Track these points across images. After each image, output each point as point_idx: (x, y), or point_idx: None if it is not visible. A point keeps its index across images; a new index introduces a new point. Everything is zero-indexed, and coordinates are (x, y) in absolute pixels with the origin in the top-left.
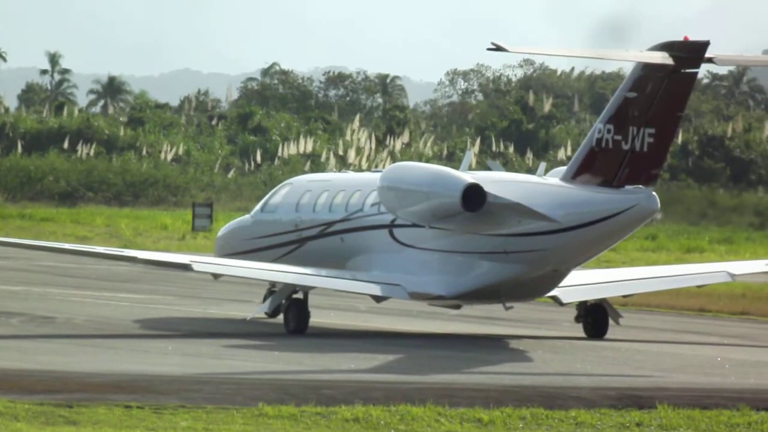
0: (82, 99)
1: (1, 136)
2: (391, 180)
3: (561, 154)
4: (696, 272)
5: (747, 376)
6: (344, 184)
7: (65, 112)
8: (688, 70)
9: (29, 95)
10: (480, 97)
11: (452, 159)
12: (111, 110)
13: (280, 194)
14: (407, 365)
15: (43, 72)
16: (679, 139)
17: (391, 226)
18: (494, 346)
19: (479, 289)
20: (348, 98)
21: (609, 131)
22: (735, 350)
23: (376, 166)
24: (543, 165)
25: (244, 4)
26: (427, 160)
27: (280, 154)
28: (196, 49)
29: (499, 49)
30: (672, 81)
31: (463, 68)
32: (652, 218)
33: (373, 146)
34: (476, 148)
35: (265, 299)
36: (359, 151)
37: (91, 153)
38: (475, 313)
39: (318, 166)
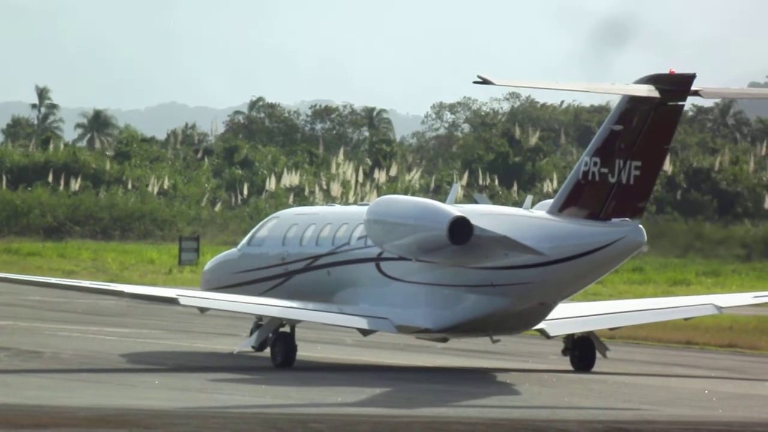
0: (68, 133)
1: None
2: (377, 213)
3: (547, 187)
4: (683, 305)
5: (735, 409)
6: (331, 218)
7: (51, 146)
8: (674, 103)
9: (15, 129)
10: (467, 129)
11: (439, 192)
12: (97, 144)
13: (266, 228)
14: (395, 399)
15: (33, 106)
16: (668, 171)
17: (377, 260)
18: (481, 379)
19: (466, 322)
20: (334, 131)
21: (595, 164)
22: (722, 383)
23: (363, 200)
24: (529, 198)
25: (230, 39)
26: (414, 193)
27: (266, 187)
28: (182, 83)
29: (485, 82)
30: (658, 114)
31: (449, 101)
32: (638, 251)
33: (360, 179)
34: (463, 181)
35: (252, 333)
36: (345, 185)
37: (77, 187)
38: (463, 346)
39: (303, 200)
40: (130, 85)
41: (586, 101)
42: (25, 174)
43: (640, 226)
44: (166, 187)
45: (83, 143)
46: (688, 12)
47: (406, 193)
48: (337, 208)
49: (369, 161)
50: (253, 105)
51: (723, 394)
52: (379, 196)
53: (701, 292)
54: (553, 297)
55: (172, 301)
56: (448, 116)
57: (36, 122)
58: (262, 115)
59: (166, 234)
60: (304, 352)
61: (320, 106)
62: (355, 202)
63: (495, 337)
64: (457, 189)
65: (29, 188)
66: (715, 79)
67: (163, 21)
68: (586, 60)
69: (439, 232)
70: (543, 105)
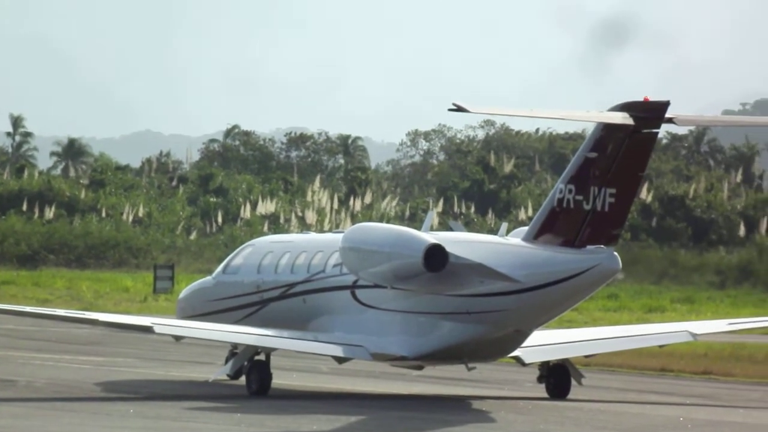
0: (43, 161)
1: None
2: (353, 241)
3: (522, 214)
4: (658, 332)
5: None
6: (306, 245)
7: (26, 175)
8: (648, 131)
9: None
10: (442, 157)
11: (414, 219)
12: (72, 172)
13: (241, 256)
14: (370, 426)
15: (8, 134)
16: (643, 198)
17: (353, 287)
18: (457, 406)
19: (441, 350)
20: (310, 159)
21: (570, 191)
22: (697, 410)
23: (338, 227)
24: (505, 225)
25: (205, 66)
26: (389, 221)
27: (241, 215)
28: (157, 111)
29: (460, 109)
30: (633, 141)
31: (424, 129)
32: (613, 278)
33: (335, 207)
34: (438, 209)
35: (227, 361)
36: (321, 212)
37: (52, 215)
38: (438, 374)
39: (278, 228)
40: (104, 113)
41: (561, 128)
42: None
43: (615, 253)
44: (140, 215)
45: (58, 171)
46: (659, 38)
47: (381, 221)
48: (312, 236)
49: (344, 189)
50: (228, 133)
51: (698, 421)
52: (354, 223)
53: (676, 319)
54: (529, 324)
55: (147, 330)
56: (423, 144)
57: (10, 150)
58: (237, 142)
59: (140, 262)
60: (280, 380)
61: (295, 133)
62: (330, 230)
63: (470, 365)
64: (433, 216)
65: (3, 217)
66: (690, 106)
67: (138, 49)
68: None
69: (414, 260)
70: (518, 132)
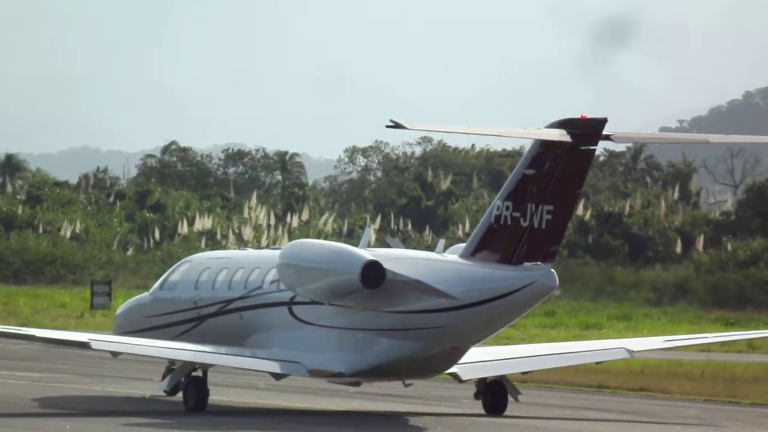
0: None
1: None
2: (290, 257)
3: (460, 231)
4: (595, 349)
5: None
6: (243, 262)
7: None
8: (586, 147)
9: None
10: (379, 174)
11: (352, 236)
12: (9, 188)
13: (179, 272)
14: None
15: None
16: (581, 215)
17: (290, 303)
18: (394, 423)
19: (379, 366)
20: (247, 175)
21: (507, 208)
22: (634, 427)
23: (275, 243)
24: (442, 242)
25: (142, 82)
26: (327, 237)
27: (178, 231)
28: (94, 127)
29: (397, 126)
30: (570, 158)
31: (362, 145)
32: (550, 295)
33: (272, 223)
34: (376, 225)
35: (164, 377)
36: (258, 228)
37: None
38: (375, 390)
39: (215, 244)
40: (41, 129)
41: (499, 145)
42: None
43: (552, 270)
44: (78, 231)
45: None
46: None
47: (318, 237)
48: (249, 252)
49: (281, 205)
50: (165, 149)
51: None
52: (291, 240)
53: (613, 335)
54: (466, 341)
55: (84, 345)
56: (361, 160)
57: None
58: (175, 158)
59: (78, 278)
60: (217, 396)
61: (233, 149)
62: (267, 246)
63: (407, 381)
64: (370, 233)
65: None
66: (627, 123)
67: (73, 64)
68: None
69: (351, 276)
70: (455, 149)
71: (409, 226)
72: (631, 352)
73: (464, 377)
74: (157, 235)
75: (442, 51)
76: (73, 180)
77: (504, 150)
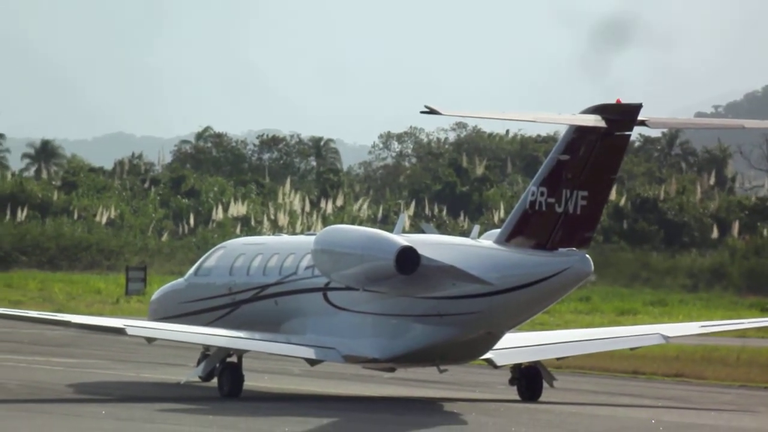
0: (15, 163)
1: None
2: (325, 243)
3: (495, 217)
4: (630, 334)
5: None
6: (278, 248)
7: None
8: (620, 133)
9: None
10: (414, 159)
11: (386, 222)
12: (44, 174)
13: (213, 257)
14: (341, 428)
15: None
16: (616, 201)
17: (325, 289)
18: (428, 409)
19: (413, 352)
20: (282, 161)
21: (542, 194)
22: (669, 413)
23: (310, 229)
24: (477, 227)
25: (177, 68)
26: (361, 223)
27: (213, 217)
28: (129, 113)
29: (432, 112)
30: (605, 144)
31: (396, 131)
32: (585, 281)
33: (307, 209)
34: (410, 211)
35: (199, 363)
36: (292, 214)
37: (24, 217)
38: (410, 376)
39: (250, 230)
40: (77, 115)
41: (533, 131)
42: None
43: (587, 255)
44: (113, 217)
45: (30, 173)
46: (636, 45)
47: (353, 223)
48: (284, 238)
49: (316, 191)
50: (200, 135)
51: (669, 423)
52: (325, 225)
53: (648, 321)
54: (501, 327)
55: (120, 332)
56: (396, 146)
57: None
58: (210, 144)
59: (113, 264)
60: (251, 382)
61: (267, 135)
62: (302, 232)
63: (442, 367)
64: (405, 219)
65: None
66: (662, 109)
67: (110, 50)
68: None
69: (386, 262)
70: (489, 134)
71: (444, 212)
72: (666, 337)
73: (499, 363)
74: (191, 221)
75: (496, 32)
76: (108, 166)
77: (539, 135)
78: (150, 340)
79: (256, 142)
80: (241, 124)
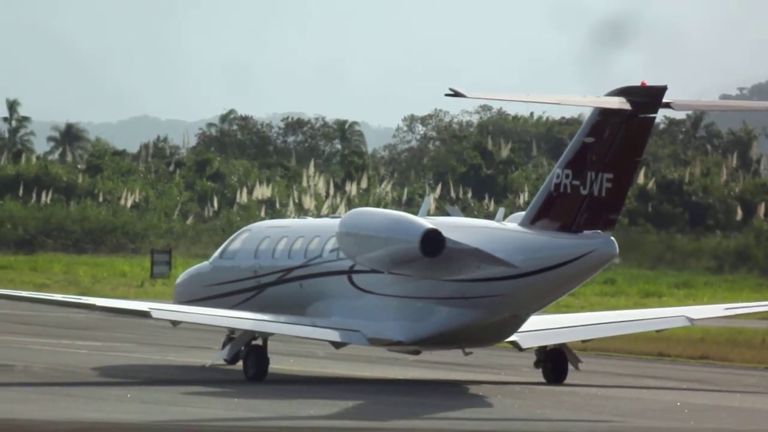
0: (39, 146)
1: None
2: (350, 226)
3: (520, 199)
4: (655, 317)
5: (706, 420)
6: (303, 231)
7: (23, 159)
8: (645, 115)
9: None
10: (438, 142)
11: (411, 204)
12: (69, 157)
13: (238, 240)
14: (367, 411)
15: (4, 119)
16: (645, 183)
17: (350, 272)
18: (454, 391)
19: (438, 335)
20: (306, 144)
21: (567, 176)
22: (694, 395)
23: (335, 212)
24: (502, 210)
25: (201, 52)
26: (386, 206)
27: (237, 200)
28: (154, 96)
29: (457, 94)
30: (630, 126)
31: (420, 114)
32: (610, 263)
33: (331, 192)
34: (435, 194)
35: (224, 346)
36: (317, 197)
37: (49, 200)
38: (435, 359)
39: (275, 212)
40: (101, 98)
41: (557, 114)
42: None
43: (612, 238)
44: (137, 200)
45: (55, 156)
46: (658, 24)
47: (378, 206)
48: (309, 221)
49: (341, 174)
50: (224, 118)
51: (694, 405)
52: (350, 208)
53: (673, 304)
54: (526, 309)
55: (145, 315)
56: (420, 129)
57: (7, 135)
58: (234, 127)
59: (138, 247)
60: (277, 364)
61: (292, 118)
62: (327, 215)
63: (467, 350)
64: (429, 201)
65: (0, 201)
66: (687, 91)
67: (135, 34)
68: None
69: (411, 245)
70: (514, 117)
71: (469, 195)
72: (691, 320)
73: (524, 345)
74: (216, 204)
75: (497, 31)
76: (133, 149)
77: (563, 118)
78: (175, 323)
79: (281, 125)
80: (265, 108)
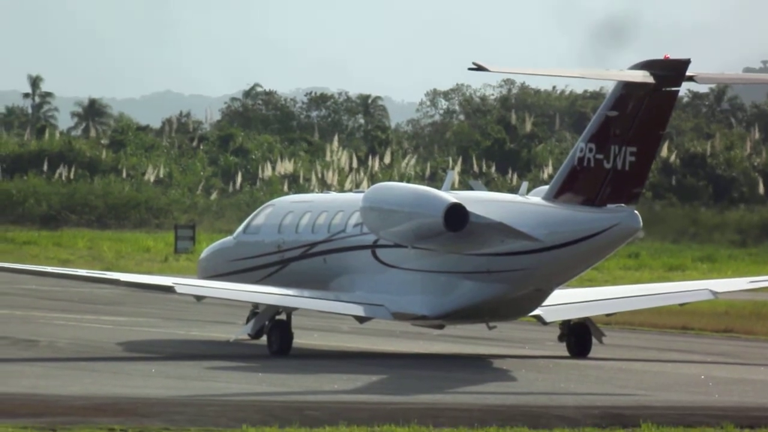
0: (63, 122)
1: None
2: (373, 200)
3: (543, 173)
4: (679, 290)
5: (731, 393)
6: (327, 205)
7: (47, 135)
8: (669, 89)
9: (10, 119)
10: (462, 117)
11: (434, 179)
12: (92, 133)
13: (262, 215)
14: (391, 386)
15: (26, 95)
16: (670, 157)
17: (373, 247)
18: (478, 365)
19: (462, 309)
20: (330, 119)
21: (591, 150)
22: (718, 368)
23: (358, 187)
24: (525, 184)
25: (225, 27)
26: (409, 180)
27: (260, 175)
28: (177, 72)
29: (480, 68)
30: (653, 99)
31: (443, 88)
32: (634, 237)
33: (355, 167)
34: (458, 168)
35: (248, 321)
36: (340, 172)
37: (72, 176)
38: (459, 333)
39: (298, 187)
40: (125, 73)
41: (580, 87)
42: (20, 163)
43: (636, 211)
44: (161, 175)
45: (78, 132)
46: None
47: (401, 180)
48: (332, 196)
49: (364, 148)
50: (248, 93)
51: (719, 379)
52: (374, 183)
53: (697, 277)
54: (549, 283)
55: (169, 290)
56: (443, 103)
57: (30, 111)
58: (259, 101)
59: (161, 222)
60: (301, 339)
61: (316, 93)
62: (350, 190)
63: (491, 324)
64: (453, 176)
65: (24, 177)
66: (710, 64)
67: (158, 9)
68: (584, 59)
69: (435, 219)
70: (537, 91)
71: (492, 169)
72: (715, 293)
73: (548, 319)
74: (239, 179)
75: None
76: (156, 124)
77: (586, 92)
78: (199, 298)
79: (305, 99)
80: (288, 83)
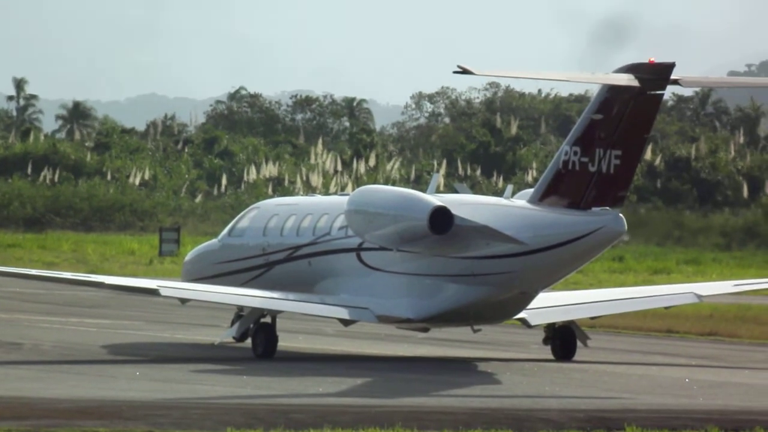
0: (48, 125)
1: None
2: (358, 203)
3: (528, 176)
4: (663, 293)
5: (715, 397)
6: (311, 208)
7: (31, 138)
8: (653, 92)
9: None
10: (447, 120)
11: (419, 182)
12: (77, 135)
13: (247, 218)
14: (376, 389)
15: (10, 98)
16: (655, 161)
17: (358, 250)
18: (462, 368)
19: (447, 312)
20: (315, 122)
21: (575, 153)
22: (703, 371)
23: (343, 190)
24: (510, 187)
25: (210, 29)
26: (394, 183)
27: (245, 178)
28: (162, 74)
29: (465, 72)
30: (638, 103)
31: (428, 91)
32: (619, 240)
33: (339, 169)
34: (443, 171)
35: (233, 324)
36: (325, 175)
37: (57, 178)
38: (444, 336)
39: (283, 190)
40: (109, 76)
41: (565, 91)
42: (5, 165)
43: (621, 215)
44: (146, 178)
45: (63, 135)
46: (668, 2)
47: (386, 183)
48: (317, 199)
49: (349, 151)
50: (233, 95)
51: (703, 382)
52: (359, 186)
53: (682, 280)
54: (534, 286)
55: (153, 292)
56: (428, 106)
57: (15, 113)
58: (245, 104)
59: (146, 225)
60: (286, 342)
61: (301, 96)
62: (335, 193)
63: (476, 327)
64: (438, 179)
65: (9, 180)
66: (695, 68)
67: (143, 12)
68: (584, 61)
69: (419, 222)
70: (522, 94)
71: (477, 172)
72: (699, 296)
73: (533, 322)
74: (224, 181)
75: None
76: (141, 127)
77: (571, 95)
78: (184, 300)
79: (290, 102)
80: (273, 86)
